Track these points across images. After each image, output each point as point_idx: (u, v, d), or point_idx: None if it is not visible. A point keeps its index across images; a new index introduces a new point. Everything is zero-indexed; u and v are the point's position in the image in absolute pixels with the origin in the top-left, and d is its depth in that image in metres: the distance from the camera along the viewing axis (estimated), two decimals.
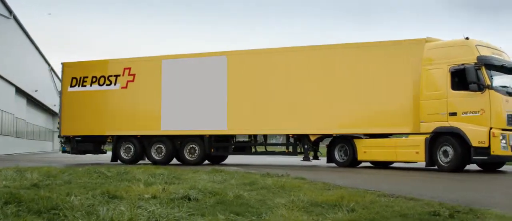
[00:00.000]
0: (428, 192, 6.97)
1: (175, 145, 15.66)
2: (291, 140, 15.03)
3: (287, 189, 6.72)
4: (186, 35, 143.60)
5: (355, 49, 14.03)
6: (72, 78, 17.04)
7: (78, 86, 16.89)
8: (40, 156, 28.58)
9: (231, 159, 17.96)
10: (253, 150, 16.01)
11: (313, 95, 14.14)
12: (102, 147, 17.39)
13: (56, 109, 45.23)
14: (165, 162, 15.35)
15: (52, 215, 4.52)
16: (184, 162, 15.44)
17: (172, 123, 15.35)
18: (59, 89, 17.57)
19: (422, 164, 12.39)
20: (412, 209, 4.96)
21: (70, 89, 17.02)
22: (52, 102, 41.90)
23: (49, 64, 40.66)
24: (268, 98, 14.60)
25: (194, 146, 15.42)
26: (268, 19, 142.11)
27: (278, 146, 17.08)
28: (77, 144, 16.87)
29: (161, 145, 15.66)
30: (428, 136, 12.09)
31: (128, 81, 16.09)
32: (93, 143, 16.81)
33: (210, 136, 15.18)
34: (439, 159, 11.89)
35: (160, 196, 5.72)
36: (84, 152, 17.44)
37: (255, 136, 15.66)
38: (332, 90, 13.98)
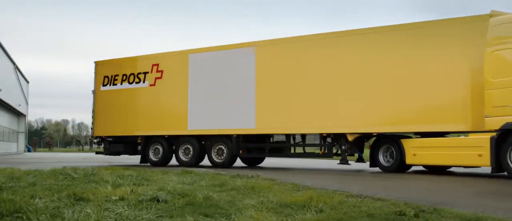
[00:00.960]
0: (396, 193, 7.11)
1: (203, 145, 14.83)
2: (328, 140, 13.37)
3: (256, 190, 6.74)
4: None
5: (403, 31, 11.92)
6: (104, 77, 16.56)
7: (110, 85, 16.43)
8: (4, 157, 27.75)
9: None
10: (292, 151, 14.70)
11: (351, 87, 12.40)
12: (135, 148, 16.47)
13: (21, 109, 44.11)
14: (193, 164, 14.55)
15: (15, 218, 4.39)
16: (213, 164, 14.54)
17: (199, 122, 14.58)
18: (93, 88, 17.17)
19: (485, 169, 10.62)
20: (379, 209, 5.05)
21: (102, 88, 16.57)
22: (17, 102, 40.73)
23: (14, 63, 39.52)
24: (299, 93, 13.17)
25: (222, 146, 14.42)
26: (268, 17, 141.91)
27: (313, 147, 15.11)
28: (109, 145, 16.42)
29: (188, 146, 14.89)
30: (494, 134, 9.85)
31: (156, 78, 15.43)
32: (124, 144, 16.22)
33: (238, 136, 14.06)
34: (510, 163, 9.64)
35: (128, 198, 5.64)
36: (117, 153, 16.80)
37: (293, 136, 14.19)
38: (373, 81, 12.05)
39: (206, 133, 14.61)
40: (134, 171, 9.67)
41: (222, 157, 14.39)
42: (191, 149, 14.87)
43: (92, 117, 17.14)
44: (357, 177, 11.26)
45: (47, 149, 59.15)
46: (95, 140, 17.34)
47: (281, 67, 13.53)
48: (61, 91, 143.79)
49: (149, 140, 15.56)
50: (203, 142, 14.82)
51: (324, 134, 13.23)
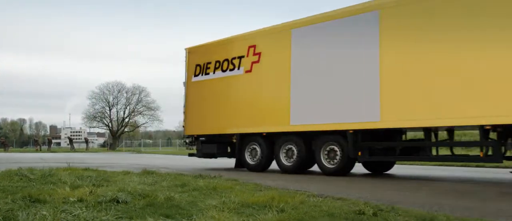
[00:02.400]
0: (356, 192, 7.24)
1: (310, 145, 11.69)
2: (492, 136, 9.41)
3: (218, 191, 6.72)
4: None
5: None
6: (196, 66, 14.33)
7: (202, 75, 14.13)
8: None
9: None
10: (434, 153, 10.24)
11: None
12: (230, 149, 14.03)
13: None
14: (297, 169, 11.73)
15: None
16: (323, 170, 11.27)
17: (304, 115, 11.51)
18: (184, 80, 14.95)
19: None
20: (339, 209, 5.13)
21: (193, 79, 14.35)
22: None
23: None
24: (444, 68, 9.22)
25: (334, 147, 11.09)
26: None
27: (468, 147, 11.64)
28: (202, 145, 14.07)
29: (291, 146, 11.93)
30: None
31: (252, 63, 12.75)
32: (217, 144, 13.85)
33: (355, 132, 10.55)
34: None
35: (87, 199, 5.52)
36: (210, 155, 14.21)
37: (435, 131, 10.32)
38: None
39: (312, 129, 11.39)
40: (94, 172, 9.46)
41: (335, 161, 11.04)
42: (294, 150, 11.87)
43: (183, 113, 14.96)
44: (315, 176, 11.40)
45: (2, 149, 57.13)
46: (186, 140, 14.92)
47: (418, 34, 9.69)
48: (17, 89, 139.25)
49: (245, 139, 13.01)
50: (309, 141, 11.70)
51: (488, 127, 8.94)
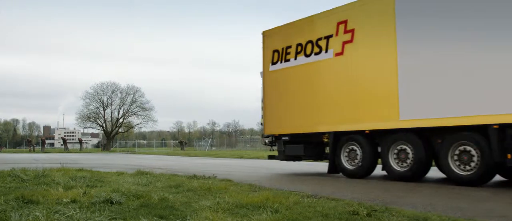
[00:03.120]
0: (350, 193, 7.26)
1: (431, 145, 9.22)
2: None
3: (213, 192, 6.72)
4: None
5: None
6: (274, 52, 12.20)
7: (281, 62, 11.98)
8: None
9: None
10: None
11: None
12: (321, 150, 11.91)
13: None
14: (414, 175, 9.36)
15: None
16: (450, 177, 8.80)
17: (420, 107, 9.01)
18: (262, 69, 12.78)
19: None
20: (333, 209, 5.14)
21: (271, 68, 12.22)
22: None
23: None
24: None
25: (468, 147, 8.46)
26: None
27: None
28: (285, 146, 12.03)
29: (404, 147, 9.48)
30: None
31: (344, 43, 10.41)
32: (304, 145, 11.69)
33: (503, 127, 7.84)
34: None
35: (80, 200, 5.50)
36: (296, 158, 12.30)
37: None
38: None
39: (434, 125, 8.85)
40: (87, 173, 9.43)
41: (469, 167, 8.41)
42: (409, 151, 9.40)
43: (261, 108, 12.89)
44: (309, 177, 11.42)
45: None
46: (266, 140, 12.94)
47: None
48: (11, 89, 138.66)
49: (340, 138, 10.78)
50: (430, 141, 9.24)
51: None
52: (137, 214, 4.74)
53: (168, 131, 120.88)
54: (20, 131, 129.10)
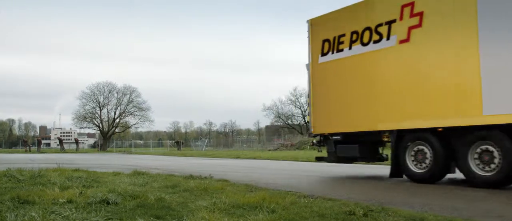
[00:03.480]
0: (346, 193, 7.27)
1: None
2: None
3: (209, 192, 6.71)
4: None
5: None
6: (324, 41, 10.91)
7: (333, 52, 10.69)
8: None
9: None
10: None
11: None
12: (378, 151, 10.94)
13: None
14: (502, 180, 7.85)
15: None
16: None
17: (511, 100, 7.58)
18: (308, 61, 11.53)
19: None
20: (330, 209, 5.15)
21: (321, 60, 10.97)
22: None
23: None
24: None
25: None
26: None
27: None
28: (336, 146, 10.85)
29: (490, 148, 7.97)
30: None
31: (410, 28, 9.10)
32: (359, 145, 10.50)
33: None
34: None
35: (76, 200, 5.49)
36: (349, 159, 11.23)
37: None
38: None
39: None
40: (84, 173, 9.41)
41: None
42: (495, 153, 7.91)
43: (309, 105, 11.84)
44: (305, 177, 11.41)
45: None
46: (314, 141, 11.97)
47: None
48: (7, 89, 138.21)
49: (405, 137, 9.47)
50: None
51: None
52: (134, 214, 4.73)
53: (165, 131, 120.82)
54: (16, 131, 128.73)
